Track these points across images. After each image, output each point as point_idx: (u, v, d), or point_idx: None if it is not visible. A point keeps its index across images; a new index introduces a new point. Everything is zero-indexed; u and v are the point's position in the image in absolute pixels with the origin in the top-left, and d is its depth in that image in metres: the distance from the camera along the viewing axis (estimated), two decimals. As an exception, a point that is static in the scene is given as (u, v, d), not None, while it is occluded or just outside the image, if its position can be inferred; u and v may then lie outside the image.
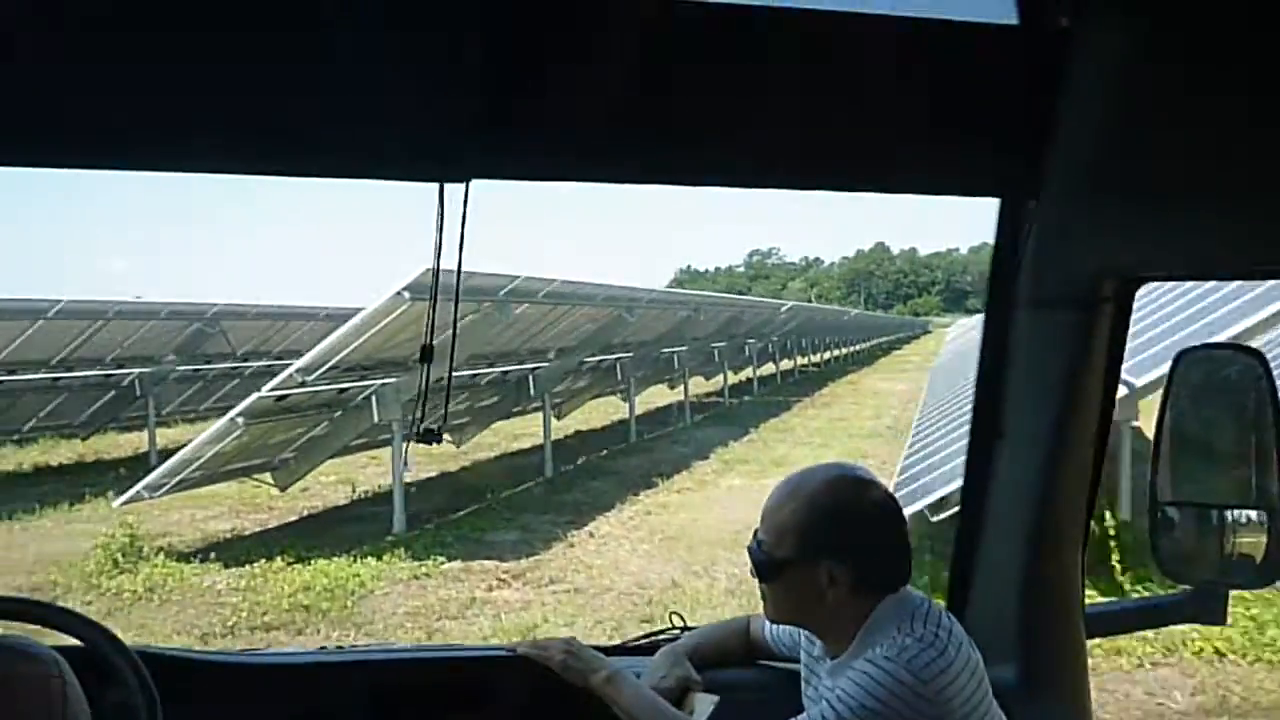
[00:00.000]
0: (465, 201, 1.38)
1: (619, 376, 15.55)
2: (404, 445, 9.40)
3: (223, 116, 1.26)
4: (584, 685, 1.87)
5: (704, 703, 1.88)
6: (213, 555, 8.59)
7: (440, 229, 1.41)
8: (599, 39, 1.34)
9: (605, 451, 14.48)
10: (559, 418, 14.84)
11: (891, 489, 1.97)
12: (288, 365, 16.04)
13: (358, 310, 8.41)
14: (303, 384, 8.08)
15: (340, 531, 9.21)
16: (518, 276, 9.06)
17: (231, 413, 8.08)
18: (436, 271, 1.51)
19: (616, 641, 2.27)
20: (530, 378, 12.18)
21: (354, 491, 11.30)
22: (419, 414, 1.80)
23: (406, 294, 7.73)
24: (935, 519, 6.79)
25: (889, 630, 1.60)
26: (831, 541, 1.65)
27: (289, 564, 8.25)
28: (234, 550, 8.79)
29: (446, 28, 1.28)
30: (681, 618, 2.19)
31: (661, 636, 2.14)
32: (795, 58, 1.40)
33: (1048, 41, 1.43)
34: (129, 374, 13.93)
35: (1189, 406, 1.74)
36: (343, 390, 8.89)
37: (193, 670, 1.91)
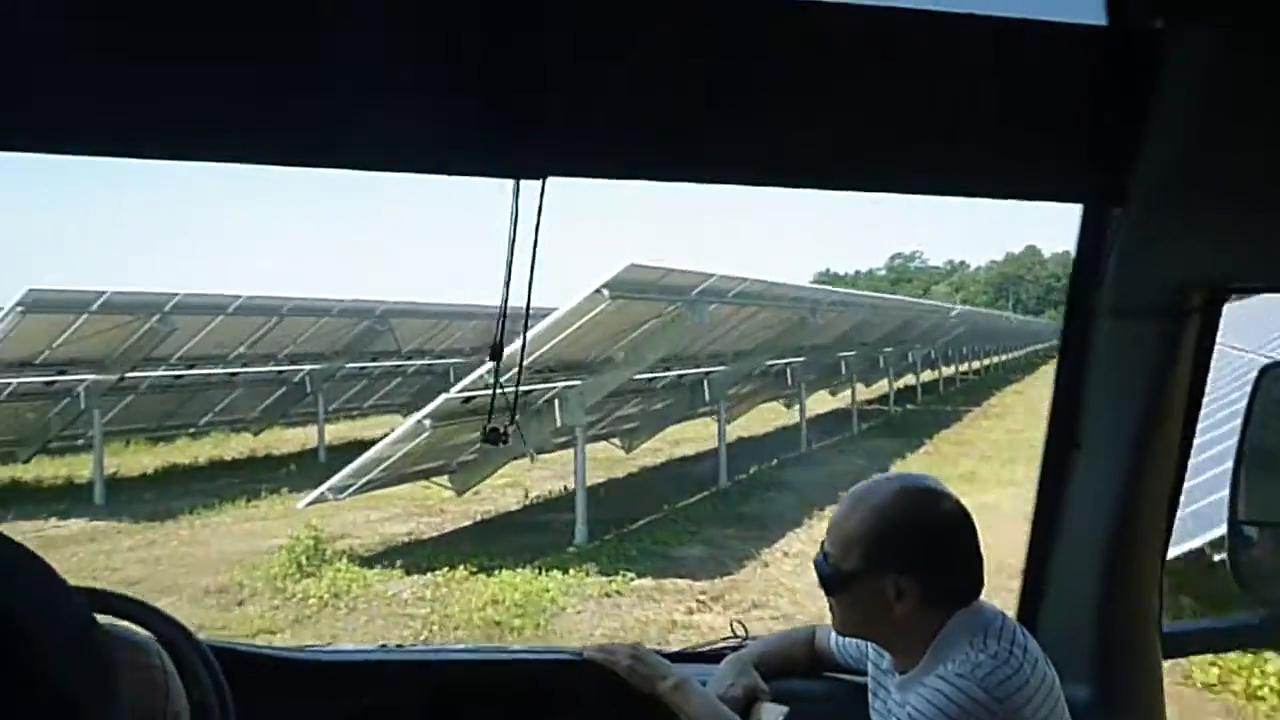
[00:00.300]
0: (541, 197, 1.37)
1: (789, 381, 14.80)
2: (583, 451, 8.89)
3: (302, 113, 1.27)
4: (650, 691, 1.86)
5: (772, 713, 1.84)
6: (394, 561, 8.30)
7: (514, 225, 1.40)
8: (678, 34, 1.33)
9: (776, 461, 13.73)
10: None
11: None
12: (449, 363, 16.40)
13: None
14: (486, 386, 7.65)
15: (517, 540, 8.80)
16: (711, 275, 8.45)
17: (419, 414, 7.76)
18: (509, 269, 1.46)
19: (676, 648, 2.23)
20: (705, 382, 11.60)
21: (526, 497, 10.94)
22: (490, 412, 1.77)
23: (605, 292, 7.24)
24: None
25: (961, 646, 1.56)
26: (898, 554, 1.61)
27: (472, 573, 7.88)
28: (414, 555, 8.49)
29: (521, 23, 1.28)
30: (744, 626, 2.14)
31: (723, 645, 2.11)
32: (878, 56, 1.39)
33: (1138, 43, 1.41)
34: (300, 370, 14.04)
35: (1269, 423, 1.69)
36: (527, 393, 8.46)
37: (262, 666, 1.91)
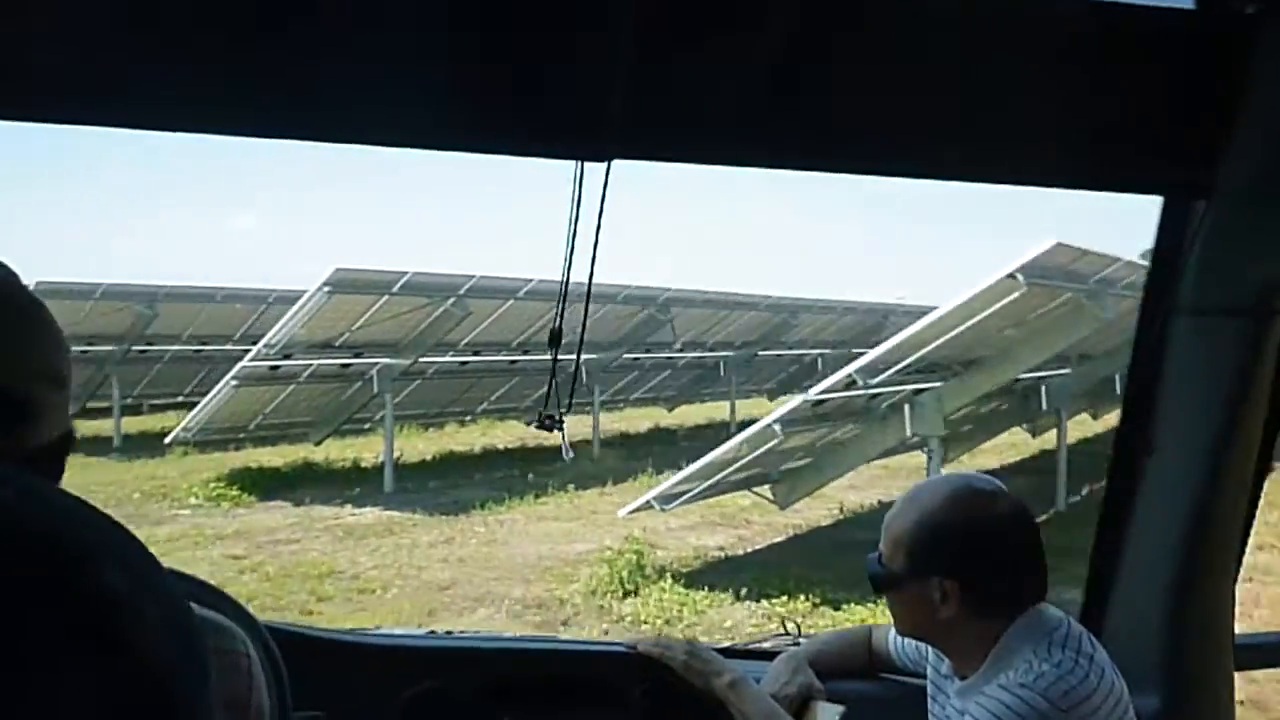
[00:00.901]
0: (606, 181, 1.35)
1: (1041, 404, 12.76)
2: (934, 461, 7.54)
3: (361, 87, 1.28)
4: (705, 688, 1.84)
5: (828, 712, 1.81)
6: (717, 581, 7.26)
7: (576, 208, 1.37)
8: (751, 17, 1.31)
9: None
10: (1033, 435, 12.49)
11: None
12: (719, 356, 15.49)
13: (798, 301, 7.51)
14: (852, 385, 6.48)
15: (843, 562, 7.54)
16: (1117, 259, 6.92)
17: (769, 418, 6.67)
18: (570, 254, 1.42)
19: (727, 644, 2.23)
20: (1044, 388, 9.97)
21: (840, 510, 9.69)
22: (547, 398, 1.71)
23: (1021, 277, 5.90)
24: None
25: (1024, 653, 1.51)
26: (941, 557, 1.56)
27: (815, 605, 6.71)
28: (737, 575, 7.41)
29: (589, 3, 1.29)
30: (796, 625, 2.14)
31: (776, 642, 2.10)
32: (955, 43, 1.36)
33: (1228, 29, 1.36)
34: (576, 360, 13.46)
35: None
36: (873, 396, 7.23)
37: (314, 648, 1.90)
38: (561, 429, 1.71)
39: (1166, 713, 1.75)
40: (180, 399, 15.72)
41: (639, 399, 16.63)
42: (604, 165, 1.33)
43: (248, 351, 10.94)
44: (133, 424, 14.95)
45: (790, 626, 2.13)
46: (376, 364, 10.94)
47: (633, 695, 1.93)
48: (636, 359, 14.68)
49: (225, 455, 12.01)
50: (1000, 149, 1.48)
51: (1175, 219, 1.63)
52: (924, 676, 1.76)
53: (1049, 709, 1.42)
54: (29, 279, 0.80)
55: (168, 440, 11.32)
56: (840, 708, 1.80)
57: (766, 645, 2.10)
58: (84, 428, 12.55)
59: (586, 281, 1.46)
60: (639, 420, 16.85)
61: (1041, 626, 1.54)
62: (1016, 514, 1.59)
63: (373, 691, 1.87)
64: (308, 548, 8.53)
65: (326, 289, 9.53)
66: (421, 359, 11.32)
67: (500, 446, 14.11)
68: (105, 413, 14.31)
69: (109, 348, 14.01)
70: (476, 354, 12.42)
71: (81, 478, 9.80)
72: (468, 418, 14.83)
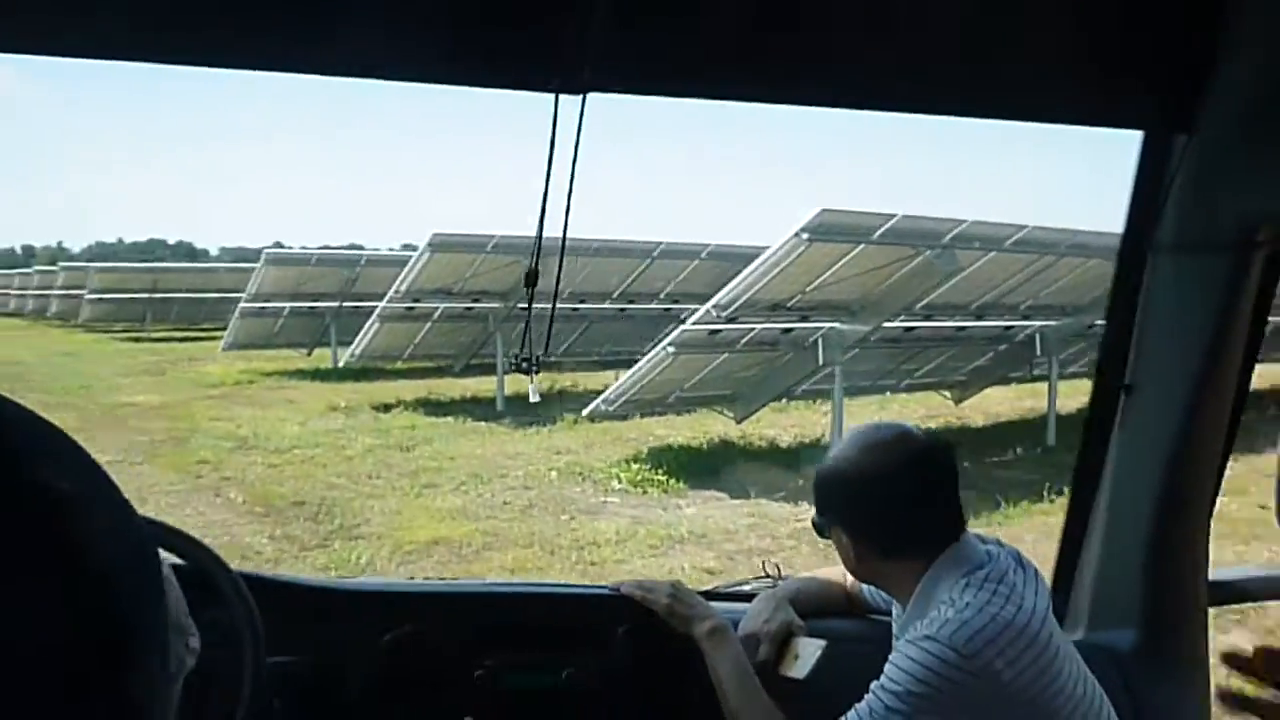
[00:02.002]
0: (581, 115, 1.31)
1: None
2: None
3: (326, 17, 1.24)
4: (685, 631, 1.83)
5: (809, 647, 1.81)
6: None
7: (552, 145, 1.32)
8: None
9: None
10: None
11: None
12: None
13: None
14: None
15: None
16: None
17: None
18: (546, 191, 1.39)
19: (708, 586, 2.20)
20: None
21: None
22: (524, 341, 1.72)
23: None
24: None
25: (941, 594, 1.54)
26: (836, 506, 1.64)
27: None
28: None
29: None
30: (777, 567, 2.12)
31: (755, 585, 2.08)
32: None
33: None
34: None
35: None
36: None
37: (293, 593, 1.89)
38: (538, 372, 1.70)
39: (1143, 650, 1.77)
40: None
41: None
42: (579, 99, 1.28)
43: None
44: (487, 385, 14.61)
45: (770, 569, 2.12)
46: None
47: (615, 637, 1.91)
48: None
49: (619, 425, 11.19)
50: (982, 84, 1.46)
51: (1155, 154, 1.62)
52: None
53: (955, 658, 1.44)
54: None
55: (585, 412, 10.23)
56: (821, 642, 1.81)
57: (747, 588, 2.10)
58: (462, 387, 14.34)
59: (563, 223, 1.40)
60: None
61: (960, 564, 1.55)
62: (914, 458, 1.59)
63: (353, 637, 1.85)
64: (791, 561, 6.37)
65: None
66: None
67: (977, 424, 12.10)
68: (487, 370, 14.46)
69: (494, 305, 13.85)
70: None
71: (482, 448, 10.58)
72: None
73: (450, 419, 12.46)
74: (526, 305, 1.61)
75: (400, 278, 12.77)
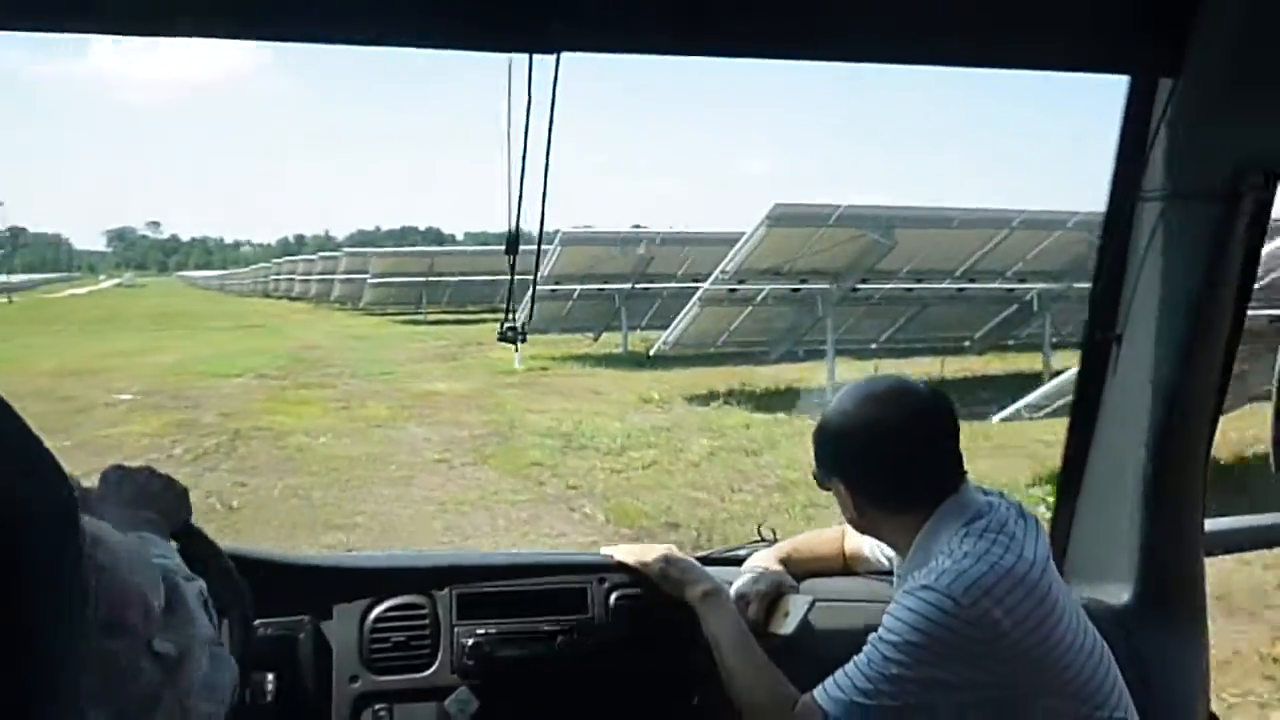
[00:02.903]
0: (555, 75, 1.27)
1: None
2: None
3: None
4: (679, 596, 1.83)
5: (799, 604, 1.78)
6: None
7: (528, 108, 1.28)
8: None
9: None
10: None
11: None
12: None
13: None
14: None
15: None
16: None
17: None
18: (525, 152, 1.32)
19: (704, 552, 2.15)
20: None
21: None
22: (507, 309, 1.69)
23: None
24: None
25: (939, 546, 1.51)
26: (838, 460, 1.62)
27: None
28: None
29: None
30: (773, 531, 2.08)
31: (749, 549, 2.05)
32: None
33: None
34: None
35: None
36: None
37: (277, 570, 1.86)
38: (524, 341, 1.67)
39: (1143, 602, 1.76)
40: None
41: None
42: (553, 58, 1.25)
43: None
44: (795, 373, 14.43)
45: (766, 532, 2.08)
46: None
47: (607, 603, 1.91)
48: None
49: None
50: (968, 32, 1.44)
51: (1141, 100, 1.60)
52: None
53: (952, 605, 1.42)
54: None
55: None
56: (809, 598, 1.79)
57: (742, 552, 2.07)
58: (773, 376, 13.52)
59: (542, 184, 1.39)
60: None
61: (959, 515, 1.54)
62: (912, 409, 1.58)
63: (342, 611, 1.86)
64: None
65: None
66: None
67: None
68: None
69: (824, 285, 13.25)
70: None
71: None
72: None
73: (782, 414, 10.94)
74: (510, 269, 1.56)
75: (729, 256, 11.33)
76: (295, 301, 40.48)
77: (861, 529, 1.74)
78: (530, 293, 1.86)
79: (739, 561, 1.98)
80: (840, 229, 11.13)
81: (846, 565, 1.97)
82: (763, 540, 2.07)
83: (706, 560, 1.99)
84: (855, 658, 1.50)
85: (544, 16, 1.23)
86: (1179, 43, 1.45)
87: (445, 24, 1.29)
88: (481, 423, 11.10)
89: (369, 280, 27.10)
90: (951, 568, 1.46)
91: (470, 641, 1.86)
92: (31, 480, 0.53)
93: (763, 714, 1.62)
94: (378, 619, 1.87)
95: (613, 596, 1.93)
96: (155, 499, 1.38)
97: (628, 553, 1.96)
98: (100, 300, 57.70)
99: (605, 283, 16.60)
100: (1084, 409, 1.83)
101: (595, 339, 17.85)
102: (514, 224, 1.46)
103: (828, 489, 1.68)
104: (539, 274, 15.29)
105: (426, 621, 1.88)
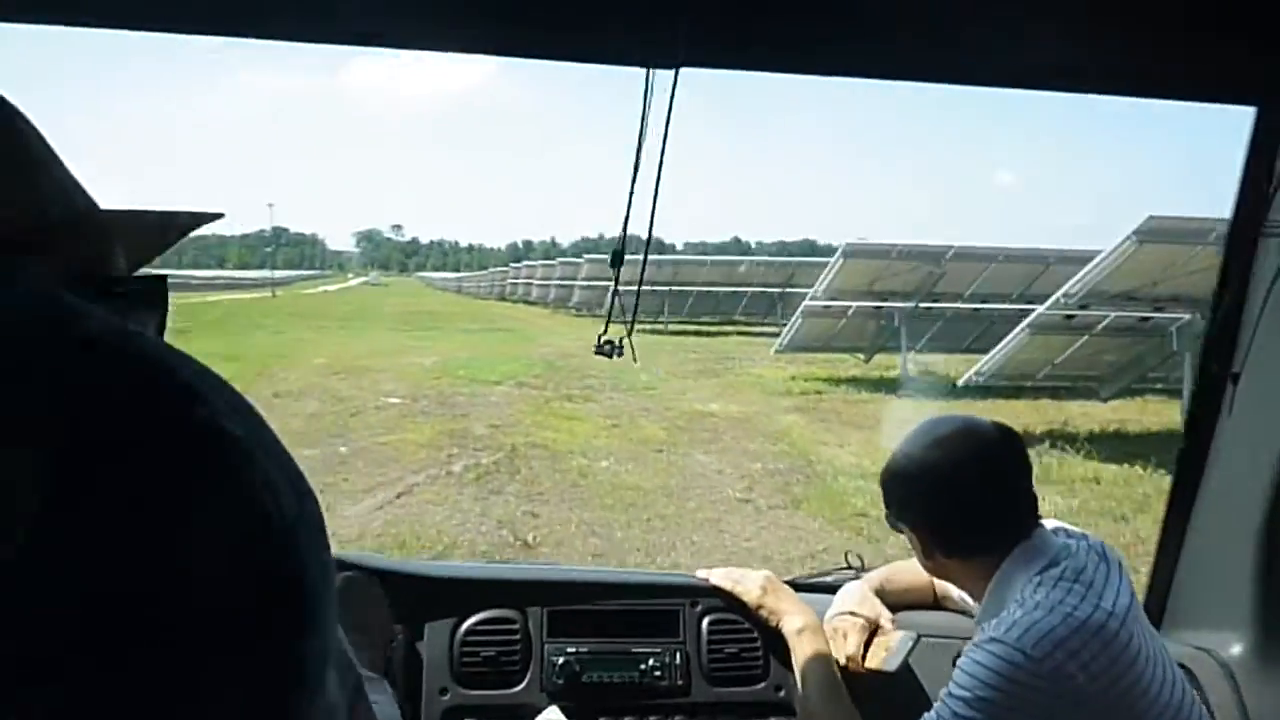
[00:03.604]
0: (673, 90, 1.27)
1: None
2: None
3: None
4: (775, 626, 1.81)
5: (903, 641, 1.72)
6: None
7: (644, 119, 1.29)
8: None
9: None
10: None
11: None
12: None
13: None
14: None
15: None
16: None
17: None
18: (637, 164, 1.33)
19: (792, 577, 2.05)
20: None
21: None
22: (606, 321, 1.62)
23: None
24: None
25: (1011, 594, 1.46)
26: (904, 505, 1.58)
27: None
28: None
29: None
30: (860, 557, 2.07)
31: (836, 576, 2.05)
32: None
33: None
34: None
35: None
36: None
37: (372, 577, 1.80)
38: (621, 354, 1.57)
39: (1255, 655, 1.68)
40: (958, 352, 16.41)
41: None
42: (672, 73, 1.24)
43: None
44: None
45: (853, 559, 2.08)
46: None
47: (698, 627, 1.89)
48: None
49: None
50: (1084, 59, 1.39)
51: (1267, 132, 1.56)
52: None
53: (1023, 659, 1.36)
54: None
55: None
56: (913, 634, 1.74)
57: (830, 578, 2.07)
58: (1102, 417, 12.34)
59: (651, 201, 1.35)
60: None
61: (1034, 561, 1.47)
62: (978, 451, 1.51)
63: (433, 621, 1.84)
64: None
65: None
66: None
67: None
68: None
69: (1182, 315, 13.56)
70: None
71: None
72: None
73: (1137, 467, 9.06)
74: (614, 281, 1.56)
75: (1082, 275, 9.57)
76: (532, 306, 41.08)
77: (934, 574, 1.69)
78: (633, 303, 1.67)
79: (830, 589, 1.93)
80: (1212, 247, 9.14)
81: (937, 599, 1.91)
82: (850, 568, 2.07)
83: (796, 585, 1.95)
84: (927, 715, 1.43)
85: (667, 31, 1.21)
86: None
87: (567, 35, 1.29)
88: (772, 454, 9.88)
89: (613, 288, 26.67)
90: (1022, 619, 1.39)
91: (560, 660, 1.84)
92: (296, 492, 0.50)
93: None
94: (469, 632, 1.86)
95: (706, 620, 1.90)
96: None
97: (724, 577, 1.92)
98: (350, 297, 61.46)
99: (883, 300, 15.07)
100: (1194, 448, 1.78)
101: (866, 360, 16.31)
102: (623, 239, 1.44)
103: (901, 532, 1.61)
104: (818, 287, 13.83)
105: (518, 637, 1.87)
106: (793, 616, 1.79)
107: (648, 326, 26.01)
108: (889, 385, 14.54)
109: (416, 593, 1.86)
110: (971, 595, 1.62)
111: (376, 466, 9.00)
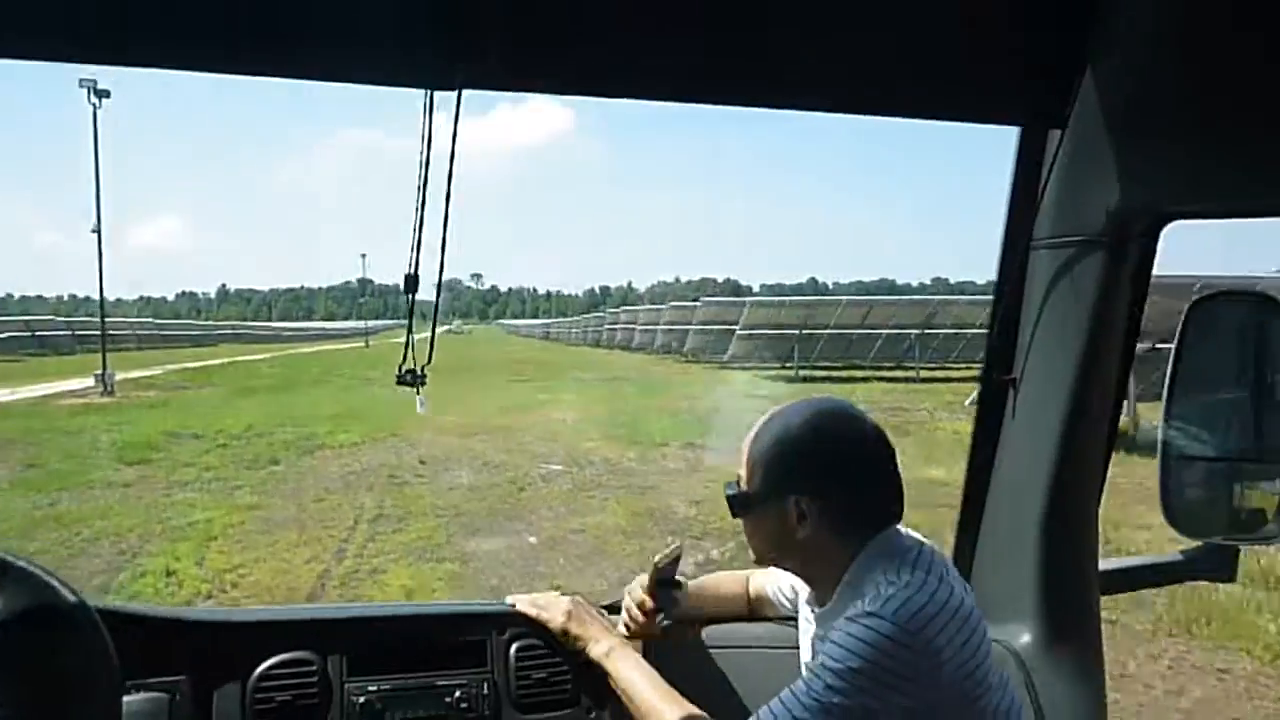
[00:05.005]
0: (457, 112, 1.26)
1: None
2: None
3: (206, 13, 1.21)
4: (582, 655, 1.80)
5: (669, 552, 1.80)
6: None
7: (428, 141, 1.27)
8: None
9: None
10: None
11: None
12: None
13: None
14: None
15: None
16: None
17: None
18: (424, 186, 1.31)
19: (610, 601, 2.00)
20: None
21: None
22: (406, 349, 1.48)
23: None
24: None
25: (874, 577, 1.47)
26: (798, 475, 1.55)
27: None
28: None
29: None
30: (684, 575, 1.94)
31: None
32: None
33: None
34: None
35: (1200, 357, 1.62)
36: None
37: (156, 627, 1.77)
38: (424, 383, 1.48)
39: (1041, 644, 1.76)
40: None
41: None
42: (454, 95, 1.24)
43: None
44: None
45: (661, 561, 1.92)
46: None
47: (506, 656, 1.86)
48: None
49: None
50: (864, 82, 1.45)
51: (1031, 150, 1.65)
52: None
53: (897, 632, 1.37)
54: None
55: None
56: (677, 543, 1.84)
57: None
58: None
59: (442, 223, 1.33)
60: None
61: (894, 549, 1.50)
62: (877, 435, 1.54)
63: (222, 670, 1.74)
64: None
65: None
66: None
67: None
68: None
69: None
70: None
71: None
72: None
73: None
74: (409, 307, 1.45)
75: None
76: (632, 352, 39.40)
77: (786, 554, 1.60)
78: (431, 336, 1.45)
79: None
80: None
81: (750, 608, 1.93)
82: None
83: (614, 609, 1.93)
84: (793, 686, 1.44)
85: (448, 53, 1.24)
86: (1065, 95, 1.50)
87: (347, 58, 1.27)
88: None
89: (738, 332, 24.85)
90: (898, 595, 1.40)
91: (362, 699, 1.79)
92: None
93: None
94: (262, 677, 1.76)
95: (514, 648, 1.87)
96: None
97: (529, 603, 1.89)
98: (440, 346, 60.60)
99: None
100: (982, 452, 1.85)
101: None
102: (415, 264, 1.37)
103: (746, 513, 1.59)
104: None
105: (315, 679, 1.78)
106: (598, 641, 1.78)
107: (773, 372, 24.06)
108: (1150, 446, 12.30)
109: (202, 642, 1.76)
110: (819, 579, 1.59)
111: (584, 563, 7.20)
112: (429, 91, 1.26)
